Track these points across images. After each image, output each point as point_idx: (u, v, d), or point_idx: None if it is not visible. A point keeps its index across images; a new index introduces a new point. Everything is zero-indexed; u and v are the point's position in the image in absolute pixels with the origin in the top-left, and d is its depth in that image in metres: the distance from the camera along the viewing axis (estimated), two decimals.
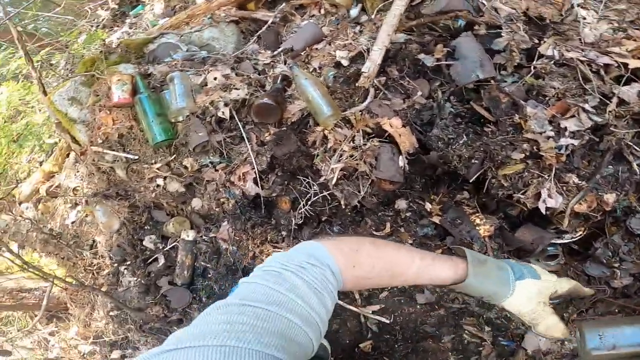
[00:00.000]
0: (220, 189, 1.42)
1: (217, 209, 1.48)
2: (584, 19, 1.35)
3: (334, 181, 1.27)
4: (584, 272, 1.21)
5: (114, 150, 1.49)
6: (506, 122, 1.12)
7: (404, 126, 1.22)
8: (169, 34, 1.61)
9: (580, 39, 1.30)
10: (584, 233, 1.20)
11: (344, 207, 1.31)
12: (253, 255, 1.45)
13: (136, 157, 1.48)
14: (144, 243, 1.67)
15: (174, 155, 1.43)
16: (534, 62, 1.19)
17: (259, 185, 1.34)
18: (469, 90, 1.19)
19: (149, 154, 1.48)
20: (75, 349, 1.99)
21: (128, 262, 1.71)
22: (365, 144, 1.25)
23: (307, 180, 1.30)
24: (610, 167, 1.16)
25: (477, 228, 1.29)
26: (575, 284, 0.72)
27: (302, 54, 1.43)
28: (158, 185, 1.50)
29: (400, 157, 1.24)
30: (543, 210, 1.14)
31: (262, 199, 1.38)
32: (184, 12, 1.73)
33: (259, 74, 1.44)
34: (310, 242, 0.63)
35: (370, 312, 1.33)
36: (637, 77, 1.19)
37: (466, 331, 1.27)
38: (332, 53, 1.38)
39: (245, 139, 1.33)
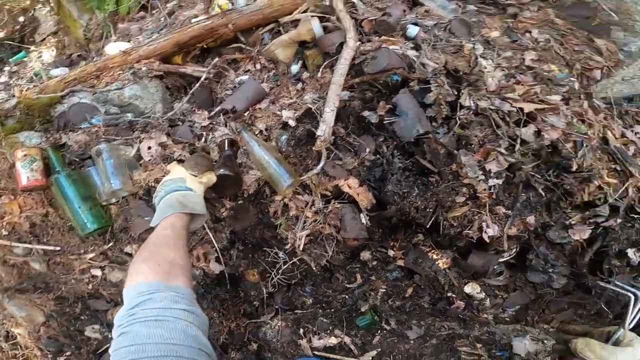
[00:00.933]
0: None
1: None
2: (485, 68, 1.58)
3: (301, 247, 1.25)
4: (528, 280, 1.39)
5: (25, 242, 1.21)
6: (446, 171, 1.25)
7: (360, 185, 1.27)
8: (81, 91, 1.37)
9: (485, 88, 1.53)
10: (518, 249, 1.41)
11: (313, 268, 1.30)
12: (229, 329, 1.35)
13: (58, 248, 1.23)
14: (86, 333, 1.41)
15: (111, 243, 1.23)
16: (458, 114, 1.36)
17: (222, 262, 1.25)
18: (411, 144, 1.30)
19: (74, 243, 1.25)
20: None
21: (69, 353, 1.43)
22: (326, 207, 1.27)
23: (274, 250, 1.26)
24: (524, 194, 1.39)
25: (437, 263, 1.42)
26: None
27: (246, 114, 1.37)
28: (94, 276, 1.27)
29: (362, 214, 1.29)
30: (486, 239, 1.31)
31: (226, 274, 1.28)
32: (93, 64, 1.49)
33: (199, 139, 1.33)
34: (126, 288, 0.69)
35: (370, 358, 1.33)
36: (531, 119, 1.45)
37: (462, 352, 1.32)
38: (277, 113, 1.35)
39: None
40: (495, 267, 1.41)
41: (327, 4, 1.49)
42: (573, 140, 1.31)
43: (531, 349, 1.23)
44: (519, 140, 1.39)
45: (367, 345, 1.37)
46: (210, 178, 1.04)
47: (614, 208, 1.31)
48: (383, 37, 1.42)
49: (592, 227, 1.30)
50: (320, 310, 1.42)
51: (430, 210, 1.28)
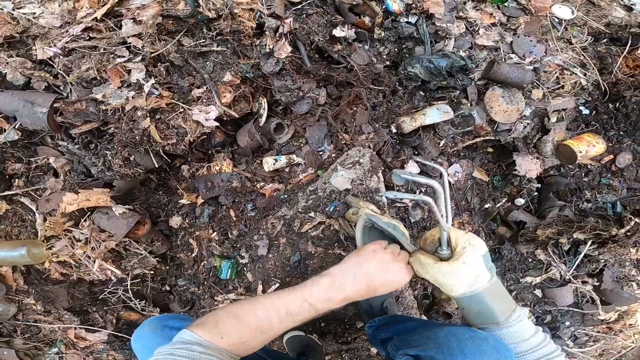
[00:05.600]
0: None
1: None
2: None
3: (111, 268, 1.16)
4: (299, 114, 1.13)
5: None
6: (120, 125, 1.01)
7: (77, 193, 1.07)
8: None
9: None
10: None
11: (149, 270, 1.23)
12: None
13: None
14: None
15: None
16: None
17: None
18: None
19: None
20: None
21: None
22: (82, 232, 1.11)
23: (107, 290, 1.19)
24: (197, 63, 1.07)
25: (223, 169, 1.12)
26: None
27: None
28: None
29: (113, 209, 1.13)
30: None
31: None
32: None
33: None
34: (180, 332, 0.61)
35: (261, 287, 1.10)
36: None
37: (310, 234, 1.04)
38: None
39: None
40: (270, 127, 1.11)
41: None
42: None
43: (346, 185, 1.00)
44: None
45: (252, 284, 1.15)
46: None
47: None
48: None
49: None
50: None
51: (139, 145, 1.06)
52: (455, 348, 0.59)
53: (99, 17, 1.00)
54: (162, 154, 1.01)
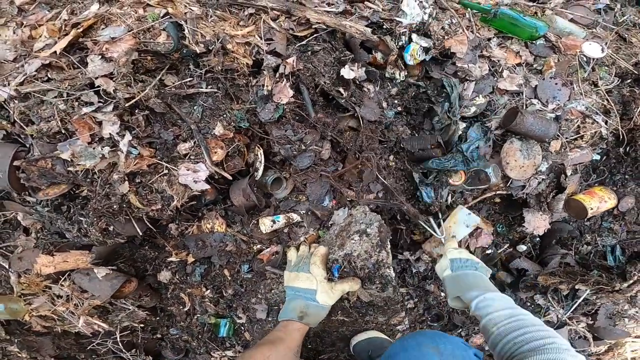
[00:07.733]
0: None
1: None
2: None
3: (97, 322, 1.04)
4: (299, 168, 0.96)
5: None
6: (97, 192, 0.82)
7: (52, 255, 0.91)
8: None
9: None
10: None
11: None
12: None
13: None
14: None
15: None
16: None
17: None
18: None
19: None
20: None
21: None
22: (62, 287, 0.96)
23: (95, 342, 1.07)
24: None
25: (215, 231, 0.93)
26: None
27: None
28: None
29: (95, 271, 0.97)
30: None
31: None
32: None
33: None
34: None
35: None
36: None
37: None
38: None
39: None
40: (268, 181, 0.95)
41: None
42: None
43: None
44: None
45: (250, 343, 1.08)
46: (352, 286, 0.84)
47: None
48: None
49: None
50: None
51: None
52: (399, 352, 0.70)
53: (59, 51, 0.79)
54: (145, 220, 0.85)
